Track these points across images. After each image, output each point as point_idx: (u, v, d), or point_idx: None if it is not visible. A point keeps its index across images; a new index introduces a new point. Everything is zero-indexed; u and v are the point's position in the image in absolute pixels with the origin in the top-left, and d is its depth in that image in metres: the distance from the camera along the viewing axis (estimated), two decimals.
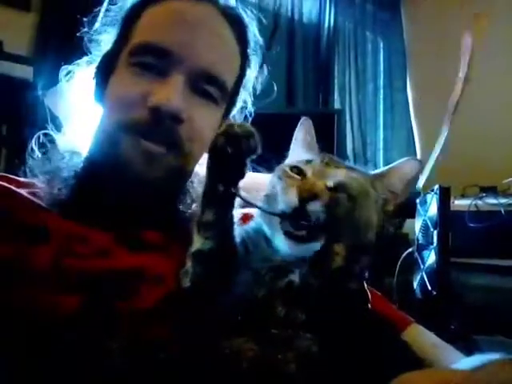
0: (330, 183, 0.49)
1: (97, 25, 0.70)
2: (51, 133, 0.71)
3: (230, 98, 0.69)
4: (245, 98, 0.75)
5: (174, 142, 0.60)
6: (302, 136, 0.60)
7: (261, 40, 0.72)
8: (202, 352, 0.40)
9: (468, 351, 0.48)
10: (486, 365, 0.40)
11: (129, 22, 0.65)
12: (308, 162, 0.52)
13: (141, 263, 0.54)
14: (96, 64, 0.68)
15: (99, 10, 0.71)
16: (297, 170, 0.51)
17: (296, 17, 2.59)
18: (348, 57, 2.83)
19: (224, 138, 0.47)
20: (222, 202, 0.49)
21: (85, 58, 0.71)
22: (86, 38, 0.71)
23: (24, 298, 0.46)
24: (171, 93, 0.58)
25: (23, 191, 0.60)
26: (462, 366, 0.43)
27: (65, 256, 0.50)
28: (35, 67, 1.48)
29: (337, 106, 2.72)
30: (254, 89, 0.78)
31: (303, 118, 0.60)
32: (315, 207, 0.47)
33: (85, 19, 0.72)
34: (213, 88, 0.63)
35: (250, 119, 0.78)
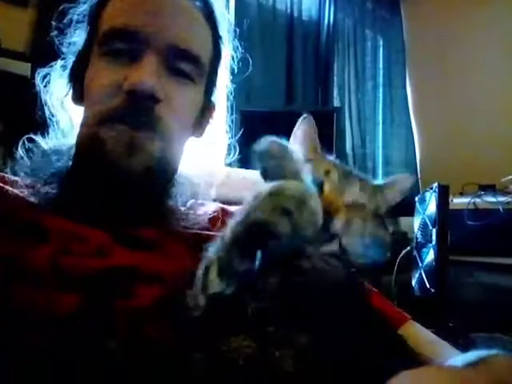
0: (348, 200, 0.48)
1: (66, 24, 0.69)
2: (35, 137, 0.70)
3: (209, 76, 0.68)
4: (224, 78, 0.74)
5: (154, 124, 0.59)
6: (301, 133, 0.58)
7: (230, 17, 0.71)
8: (199, 350, 0.40)
9: (466, 349, 0.48)
10: (482, 360, 0.39)
11: (96, 14, 0.64)
12: (308, 161, 0.52)
13: (138, 261, 0.53)
14: (70, 65, 0.67)
15: (67, 8, 0.69)
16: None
17: (295, 14, 2.59)
18: (347, 54, 2.83)
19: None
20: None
21: (59, 62, 0.70)
22: (56, 41, 0.69)
23: (22, 298, 0.46)
24: (144, 73, 0.57)
25: (18, 190, 0.59)
26: (456, 361, 0.43)
27: (62, 255, 0.50)
28: (33, 64, 1.48)
29: (336, 103, 2.71)
30: (232, 68, 0.77)
31: (304, 115, 0.58)
32: (337, 226, 0.46)
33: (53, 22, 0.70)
34: (187, 65, 0.62)
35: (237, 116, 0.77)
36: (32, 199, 0.59)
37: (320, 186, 0.48)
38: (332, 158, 0.56)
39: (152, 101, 0.58)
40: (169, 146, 0.61)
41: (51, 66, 0.70)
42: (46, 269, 0.48)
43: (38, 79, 0.71)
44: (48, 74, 0.71)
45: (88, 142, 0.60)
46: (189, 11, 0.64)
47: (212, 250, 0.45)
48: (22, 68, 1.42)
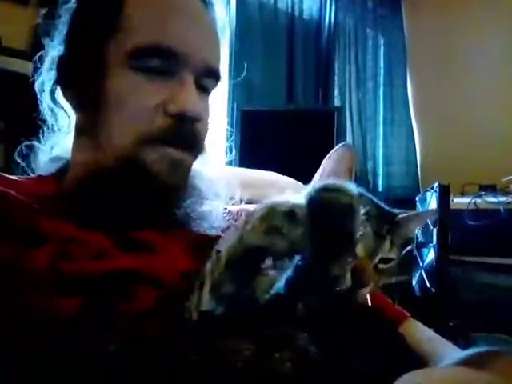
0: (381, 266, 0.44)
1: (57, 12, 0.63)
2: (33, 142, 0.68)
3: None
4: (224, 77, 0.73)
5: (194, 144, 0.60)
6: (330, 167, 0.52)
7: (225, 14, 0.70)
8: (199, 352, 0.40)
9: (466, 349, 0.48)
10: (484, 358, 0.39)
11: (109, 7, 0.58)
12: None
13: (139, 264, 0.53)
14: (56, 62, 0.63)
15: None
16: None
17: (296, 13, 2.58)
18: (348, 53, 2.82)
19: None
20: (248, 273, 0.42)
21: (48, 60, 0.65)
22: (43, 31, 0.65)
23: (22, 300, 0.46)
24: (191, 96, 0.57)
25: (17, 191, 0.58)
26: (456, 358, 0.43)
27: (62, 258, 0.50)
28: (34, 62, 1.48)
29: (337, 103, 2.71)
30: (233, 67, 0.77)
31: (340, 145, 0.51)
32: (362, 296, 0.44)
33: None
34: (211, 81, 0.62)
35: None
36: (31, 201, 0.58)
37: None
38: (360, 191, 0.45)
39: (194, 123, 0.58)
40: (196, 160, 0.63)
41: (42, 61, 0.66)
42: (45, 272, 0.48)
43: (35, 78, 0.68)
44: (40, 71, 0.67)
45: (128, 161, 0.57)
46: (209, 24, 0.63)
47: (208, 266, 0.45)
48: (23, 66, 1.42)
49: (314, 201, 0.40)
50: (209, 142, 0.64)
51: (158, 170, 0.57)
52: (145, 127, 0.57)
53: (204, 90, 0.62)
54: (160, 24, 0.58)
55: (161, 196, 0.60)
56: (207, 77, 0.61)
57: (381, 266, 0.44)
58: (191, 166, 0.63)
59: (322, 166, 0.55)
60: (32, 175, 0.67)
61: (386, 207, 0.48)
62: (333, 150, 0.53)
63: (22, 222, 0.53)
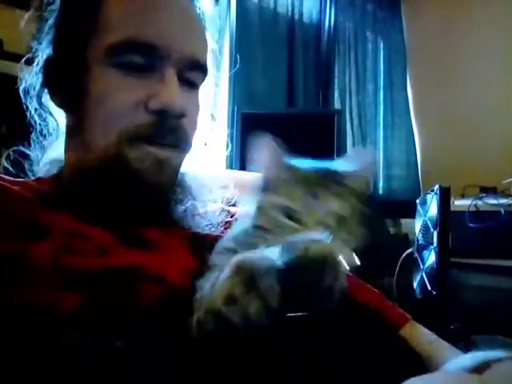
0: (328, 221, 0.47)
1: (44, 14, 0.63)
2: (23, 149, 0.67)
3: None
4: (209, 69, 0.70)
5: (179, 140, 0.59)
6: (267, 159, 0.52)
7: (211, 6, 0.68)
8: (203, 348, 0.40)
9: (467, 351, 0.48)
10: (489, 364, 0.39)
11: (85, 11, 0.58)
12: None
13: (141, 261, 0.53)
14: (42, 64, 0.63)
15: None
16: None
17: (296, 17, 2.59)
18: (348, 57, 2.83)
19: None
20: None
21: (35, 63, 0.64)
22: (30, 36, 0.64)
23: (24, 296, 0.46)
24: (172, 91, 0.56)
25: (18, 187, 0.59)
26: (460, 363, 0.43)
27: (64, 253, 0.50)
28: None
29: (337, 106, 2.72)
30: (218, 60, 0.75)
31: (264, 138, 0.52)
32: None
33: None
34: (196, 74, 0.61)
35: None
36: (31, 196, 0.58)
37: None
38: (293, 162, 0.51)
39: (178, 118, 0.57)
40: (184, 157, 0.63)
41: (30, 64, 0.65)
42: (47, 266, 0.48)
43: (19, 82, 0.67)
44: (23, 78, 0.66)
45: (108, 158, 0.57)
46: (193, 15, 0.62)
47: (198, 295, 0.45)
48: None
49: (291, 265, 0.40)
50: (201, 141, 0.63)
51: (141, 168, 0.56)
52: (126, 125, 0.56)
53: (191, 85, 0.61)
54: (137, 19, 0.56)
55: (148, 195, 0.59)
56: (192, 70, 0.60)
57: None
58: (179, 164, 0.61)
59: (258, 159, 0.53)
60: (32, 178, 0.67)
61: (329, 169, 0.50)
62: (259, 142, 0.52)
63: (23, 215, 0.53)
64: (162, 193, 0.61)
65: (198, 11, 0.63)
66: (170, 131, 0.57)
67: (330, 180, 0.49)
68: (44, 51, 0.64)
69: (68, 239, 0.52)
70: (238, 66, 1.73)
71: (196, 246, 0.58)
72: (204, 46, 0.64)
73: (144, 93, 0.56)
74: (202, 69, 0.62)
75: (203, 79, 0.64)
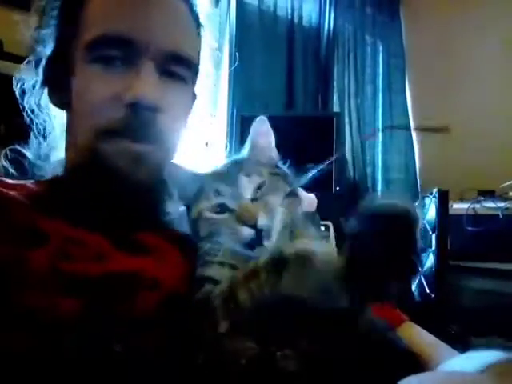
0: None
1: (40, 20, 0.64)
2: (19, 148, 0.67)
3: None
4: (207, 67, 0.71)
5: (156, 136, 0.58)
6: (261, 141, 0.60)
7: (207, 3, 0.68)
8: (201, 351, 0.40)
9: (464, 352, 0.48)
10: (490, 366, 0.39)
11: (72, 10, 0.59)
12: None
13: (138, 266, 0.53)
14: (43, 66, 0.63)
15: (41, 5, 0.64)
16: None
17: (296, 20, 2.60)
18: (347, 60, 2.83)
19: None
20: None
21: (31, 61, 0.65)
22: (31, 38, 0.65)
23: (23, 301, 0.46)
24: (146, 85, 0.55)
25: (15, 192, 0.59)
26: (457, 363, 0.43)
27: (62, 259, 0.50)
28: None
29: (336, 108, 2.72)
30: (217, 58, 0.75)
31: (258, 119, 0.59)
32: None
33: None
34: (181, 68, 0.60)
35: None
36: (29, 202, 0.58)
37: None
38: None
39: (153, 112, 0.56)
40: (169, 153, 0.61)
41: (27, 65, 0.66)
42: (45, 272, 0.48)
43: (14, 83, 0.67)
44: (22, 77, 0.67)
45: (88, 155, 0.57)
46: (179, 11, 0.62)
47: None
48: None
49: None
50: (201, 141, 0.62)
51: (119, 165, 0.56)
52: (102, 120, 0.55)
53: (174, 78, 0.60)
54: (115, 14, 0.57)
55: (131, 194, 0.58)
56: (175, 63, 0.59)
57: None
58: (159, 161, 0.59)
59: (251, 141, 0.58)
60: (31, 178, 0.67)
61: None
62: (255, 124, 0.57)
63: (21, 221, 0.53)
64: (144, 191, 0.59)
65: (187, 6, 0.63)
66: (144, 125, 0.56)
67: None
68: (45, 52, 0.64)
69: (65, 245, 0.51)
70: (237, 67, 1.73)
71: (186, 248, 0.58)
72: (190, 40, 0.63)
73: (120, 86, 0.55)
74: (186, 63, 0.61)
75: (192, 74, 0.63)
